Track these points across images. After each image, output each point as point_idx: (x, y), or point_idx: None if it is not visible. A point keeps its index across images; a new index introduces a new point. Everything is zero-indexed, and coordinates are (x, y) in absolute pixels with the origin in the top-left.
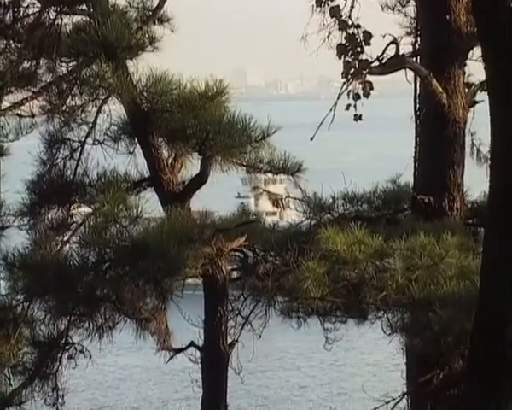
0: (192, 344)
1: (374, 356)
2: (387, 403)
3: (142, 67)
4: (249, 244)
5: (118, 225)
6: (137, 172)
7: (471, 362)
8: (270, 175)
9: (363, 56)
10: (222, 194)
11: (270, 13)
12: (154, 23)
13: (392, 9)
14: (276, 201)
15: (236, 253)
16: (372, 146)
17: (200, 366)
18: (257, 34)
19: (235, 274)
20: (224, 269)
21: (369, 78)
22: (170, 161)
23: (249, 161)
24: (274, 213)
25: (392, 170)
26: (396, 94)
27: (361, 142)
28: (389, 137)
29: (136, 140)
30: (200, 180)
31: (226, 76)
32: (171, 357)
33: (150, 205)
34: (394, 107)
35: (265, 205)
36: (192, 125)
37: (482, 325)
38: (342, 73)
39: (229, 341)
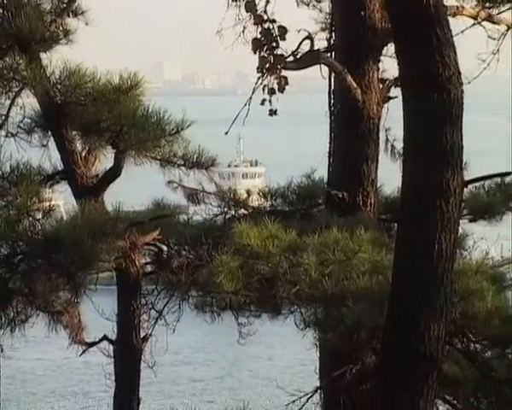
0: (105, 338)
1: (287, 351)
2: (301, 398)
3: (56, 59)
4: (163, 238)
5: (31, 218)
6: (51, 165)
7: (383, 357)
8: (246, 170)
9: (279, 51)
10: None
11: (189, 7)
12: (69, 16)
13: (307, 5)
14: (191, 195)
15: (150, 247)
16: (289, 141)
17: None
18: (175, 28)
19: (149, 268)
20: (137, 263)
21: (285, 73)
22: (84, 155)
23: (163, 155)
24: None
25: (309, 165)
26: (314, 89)
27: (279, 137)
28: (306, 132)
29: (49, 133)
30: (113, 174)
31: (143, 70)
32: (84, 351)
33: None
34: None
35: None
36: (106, 118)
37: (394, 319)
38: (257, 68)
39: (142, 335)
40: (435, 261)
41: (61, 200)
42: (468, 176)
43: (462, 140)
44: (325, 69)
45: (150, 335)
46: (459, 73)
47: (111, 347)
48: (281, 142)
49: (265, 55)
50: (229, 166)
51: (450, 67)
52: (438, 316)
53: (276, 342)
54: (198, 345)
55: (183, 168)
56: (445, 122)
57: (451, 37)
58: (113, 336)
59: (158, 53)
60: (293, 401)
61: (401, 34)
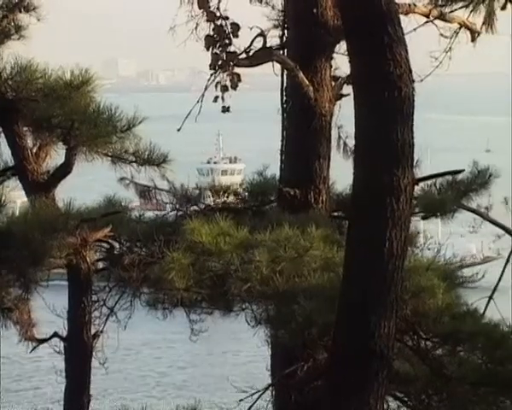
0: (55, 335)
1: (240, 348)
2: (252, 395)
3: (7, 55)
4: (115, 235)
5: None
6: (1, 161)
7: (334, 354)
8: (226, 166)
9: (231, 48)
10: None
11: (144, 3)
12: (20, 11)
13: (260, 2)
14: (143, 192)
15: (102, 243)
16: (244, 138)
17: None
18: (129, 25)
19: (100, 265)
20: (88, 259)
21: (238, 70)
22: (35, 151)
23: (114, 152)
24: None
25: (262, 162)
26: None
27: (234, 134)
28: (261, 129)
29: (0, 129)
30: (64, 170)
31: (97, 67)
32: (35, 347)
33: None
34: (266, 100)
35: None
36: (57, 114)
37: (345, 316)
38: (210, 65)
39: (93, 331)
40: (386, 259)
41: (19, 198)
42: (421, 173)
43: (413, 138)
44: (278, 66)
45: (101, 332)
46: (410, 71)
47: (62, 343)
48: (233, 138)
49: (218, 52)
50: (208, 162)
51: (402, 64)
52: (388, 313)
53: (230, 339)
54: (150, 342)
55: (134, 165)
56: (395, 120)
57: (403, 35)
58: (64, 333)
59: (112, 49)
60: (245, 399)
61: (353, 32)
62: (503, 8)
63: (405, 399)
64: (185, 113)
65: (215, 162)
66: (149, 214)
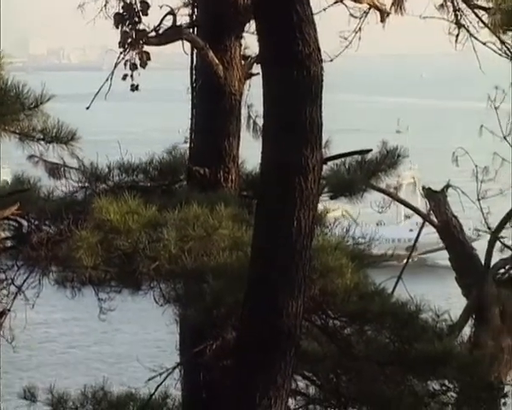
0: None
1: (148, 326)
2: (161, 374)
3: None
4: (23, 213)
5: None
6: None
7: (242, 333)
8: None
9: (141, 27)
10: None
11: None
12: None
13: None
14: (53, 170)
15: (10, 221)
16: (155, 118)
17: None
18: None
19: (8, 243)
20: None
21: (148, 49)
22: None
23: (22, 129)
24: None
25: (173, 141)
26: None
27: (145, 113)
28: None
29: None
30: None
31: (6, 44)
32: None
33: None
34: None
35: None
36: None
37: (253, 296)
38: (119, 43)
39: (0, 310)
40: (294, 238)
41: None
42: (331, 154)
43: (321, 117)
44: (188, 45)
45: (9, 310)
46: (319, 51)
47: None
48: (142, 117)
49: (127, 31)
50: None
51: (310, 44)
52: (296, 292)
53: (139, 317)
54: (60, 320)
55: (42, 143)
56: (304, 99)
57: (312, 14)
58: None
59: (23, 29)
60: (153, 378)
61: (261, 11)
62: None
63: (314, 378)
64: (96, 91)
65: None
66: (58, 192)
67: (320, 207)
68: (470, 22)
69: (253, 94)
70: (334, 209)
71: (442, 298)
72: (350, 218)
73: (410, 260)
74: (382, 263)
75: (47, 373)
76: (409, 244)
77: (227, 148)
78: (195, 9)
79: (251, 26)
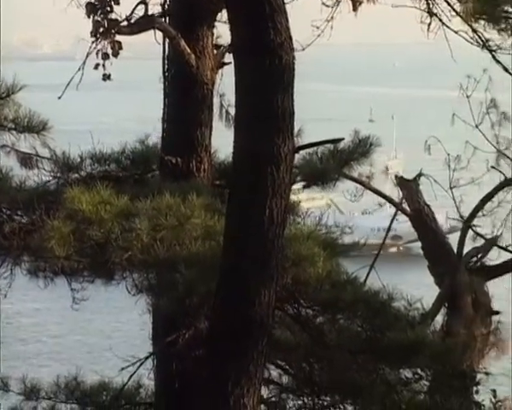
0: None
1: (121, 316)
2: (134, 364)
3: None
4: None
5: None
6: None
7: (214, 322)
8: None
9: (113, 16)
10: None
11: None
12: None
13: None
14: (25, 160)
15: None
16: (127, 107)
17: None
18: None
19: None
20: None
21: (120, 38)
22: None
23: None
24: None
25: (143, 131)
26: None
27: (118, 103)
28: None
29: None
30: None
31: None
32: None
33: None
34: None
35: None
36: None
37: (225, 285)
38: (91, 33)
39: None
40: (266, 227)
41: None
42: (302, 143)
43: (293, 106)
44: (160, 34)
45: None
46: (291, 39)
47: None
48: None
49: (99, 20)
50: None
51: (282, 33)
52: (268, 281)
53: (112, 307)
54: (33, 310)
55: (14, 132)
56: (276, 88)
57: (284, 3)
58: None
59: None
60: (126, 367)
61: (233, 0)
62: None
63: (287, 367)
64: (67, 81)
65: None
66: (30, 182)
67: (293, 196)
68: (442, 11)
69: (226, 83)
70: (318, 198)
71: (430, 287)
72: (335, 207)
73: (394, 250)
74: (368, 252)
75: (19, 364)
76: (395, 233)
77: (199, 137)
78: None
79: (223, 15)
